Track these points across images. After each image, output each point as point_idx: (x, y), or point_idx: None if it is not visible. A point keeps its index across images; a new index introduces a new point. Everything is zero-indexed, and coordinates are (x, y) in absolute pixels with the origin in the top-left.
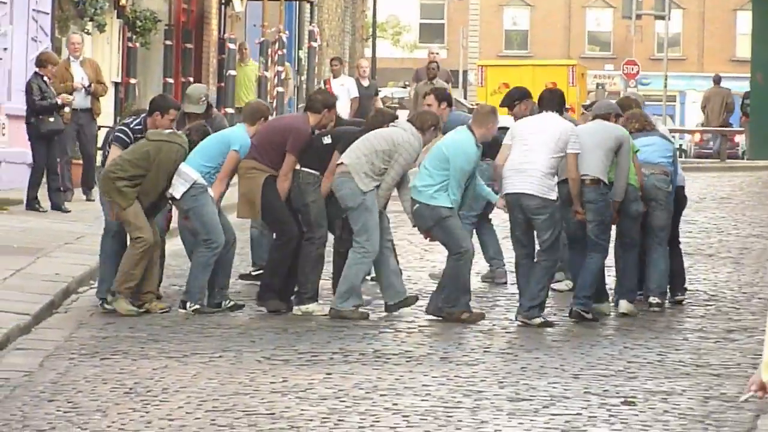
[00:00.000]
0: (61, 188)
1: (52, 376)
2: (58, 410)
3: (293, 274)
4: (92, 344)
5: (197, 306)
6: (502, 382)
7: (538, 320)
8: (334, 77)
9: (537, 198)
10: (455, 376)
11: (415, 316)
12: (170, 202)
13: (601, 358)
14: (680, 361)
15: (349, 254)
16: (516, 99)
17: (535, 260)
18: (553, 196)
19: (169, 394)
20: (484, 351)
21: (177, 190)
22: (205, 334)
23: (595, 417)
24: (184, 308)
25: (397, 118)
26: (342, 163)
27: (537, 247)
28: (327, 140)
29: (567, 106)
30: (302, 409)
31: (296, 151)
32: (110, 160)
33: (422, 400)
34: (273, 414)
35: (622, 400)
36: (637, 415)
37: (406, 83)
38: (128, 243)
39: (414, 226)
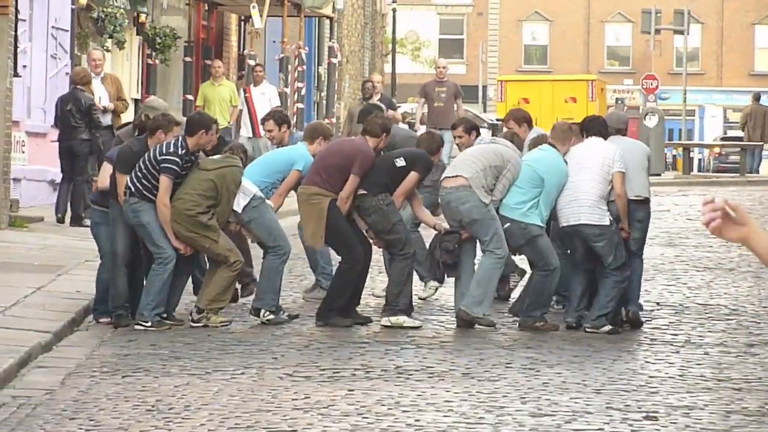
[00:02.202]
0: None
1: (73, 394)
2: (80, 428)
3: (357, 292)
4: (114, 362)
5: (271, 315)
6: (524, 398)
7: (606, 328)
8: (255, 85)
9: (592, 227)
10: (477, 392)
11: (436, 331)
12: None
13: (622, 373)
14: (701, 375)
15: (482, 257)
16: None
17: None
18: (607, 221)
19: (192, 412)
20: (506, 366)
21: (237, 203)
22: (227, 350)
23: None
24: (257, 316)
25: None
26: (460, 176)
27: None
28: (401, 162)
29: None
30: (324, 426)
31: (362, 174)
32: (162, 191)
33: (444, 416)
34: (295, 431)
35: (644, 415)
36: (659, 430)
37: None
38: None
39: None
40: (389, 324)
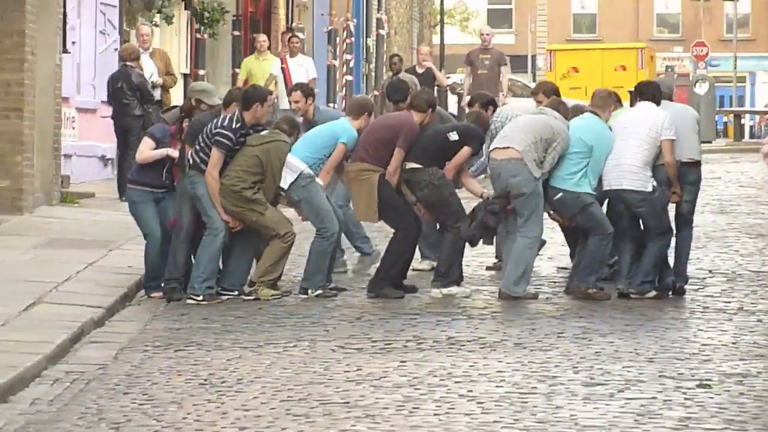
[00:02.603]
0: None
1: (126, 369)
2: (133, 402)
3: (406, 264)
4: (166, 336)
5: (319, 291)
6: (576, 367)
7: (651, 293)
8: (291, 56)
9: (634, 192)
10: (529, 362)
11: (488, 302)
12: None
13: (675, 341)
14: (755, 342)
15: (517, 240)
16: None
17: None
18: (650, 187)
19: (244, 385)
20: (558, 336)
21: (284, 180)
22: (279, 323)
23: (671, 400)
24: (306, 294)
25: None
26: (511, 148)
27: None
28: (454, 136)
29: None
30: (377, 398)
31: (407, 147)
32: (212, 163)
33: (497, 387)
34: (348, 403)
35: (698, 383)
36: (712, 397)
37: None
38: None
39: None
40: (440, 295)
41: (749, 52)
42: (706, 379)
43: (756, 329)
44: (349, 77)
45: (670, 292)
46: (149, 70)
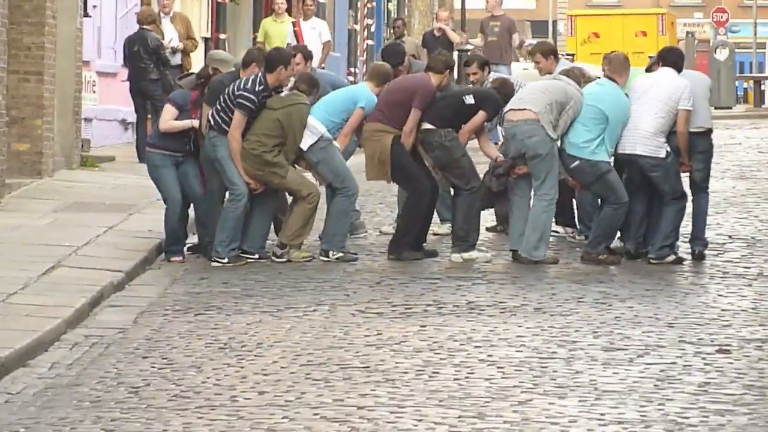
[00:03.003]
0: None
1: (146, 333)
2: (152, 366)
3: (424, 227)
4: (186, 300)
5: (340, 254)
6: (596, 332)
7: (671, 258)
8: (305, 19)
9: (647, 158)
10: (549, 327)
11: (508, 267)
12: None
13: (695, 307)
14: None
15: (533, 203)
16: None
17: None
18: (663, 153)
19: (264, 349)
20: (578, 301)
21: (304, 142)
22: (299, 288)
23: (690, 365)
24: (327, 257)
25: None
26: (527, 110)
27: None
28: (470, 100)
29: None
30: (397, 362)
31: (423, 107)
32: (234, 125)
33: (517, 351)
34: (368, 367)
35: (717, 348)
36: (732, 363)
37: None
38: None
39: (563, 179)
40: (461, 260)
41: None
42: (726, 345)
43: None
44: (370, 42)
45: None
46: (170, 34)
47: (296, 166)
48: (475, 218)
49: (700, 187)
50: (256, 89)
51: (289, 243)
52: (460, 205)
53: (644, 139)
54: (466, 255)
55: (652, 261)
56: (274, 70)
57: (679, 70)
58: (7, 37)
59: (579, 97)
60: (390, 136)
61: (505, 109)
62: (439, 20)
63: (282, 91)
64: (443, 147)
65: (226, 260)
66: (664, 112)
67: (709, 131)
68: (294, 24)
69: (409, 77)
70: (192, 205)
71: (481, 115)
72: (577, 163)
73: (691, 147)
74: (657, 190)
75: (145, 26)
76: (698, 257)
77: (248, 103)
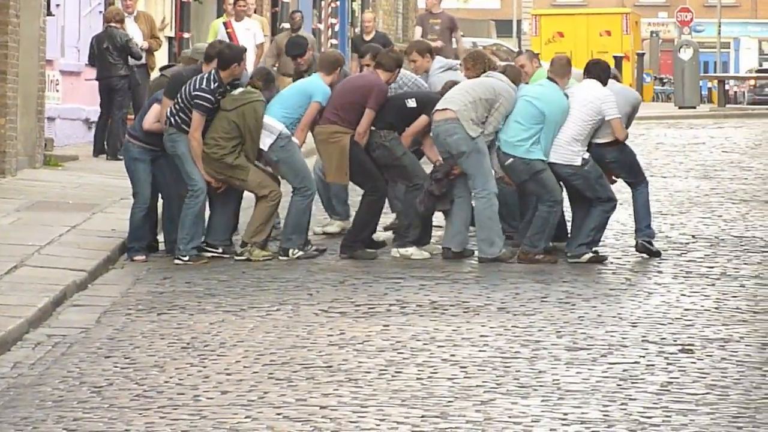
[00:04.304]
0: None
1: (109, 332)
2: (115, 366)
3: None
4: (149, 300)
5: (300, 252)
6: (559, 332)
7: (587, 256)
8: (237, 20)
9: (563, 166)
10: (512, 327)
11: (472, 266)
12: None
13: (658, 306)
14: (737, 308)
15: (474, 203)
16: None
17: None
18: (578, 161)
19: (227, 349)
20: (542, 301)
21: (263, 142)
22: (262, 287)
23: (653, 365)
24: (287, 255)
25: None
26: (447, 109)
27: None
28: (412, 104)
29: (621, 54)
30: (360, 362)
31: (377, 107)
32: (194, 126)
33: (480, 351)
34: (331, 367)
35: (680, 347)
36: (694, 362)
37: (461, 34)
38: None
39: (499, 177)
40: (398, 255)
41: (733, 17)
42: (689, 344)
43: (738, 294)
44: (334, 41)
45: (636, 250)
46: (133, 33)
47: (257, 164)
48: (417, 216)
49: (634, 186)
50: (212, 87)
51: (249, 241)
52: (404, 202)
53: (558, 147)
54: (402, 250)
55: (569, 259)
56: (228, 68)
57: (603, 82)
58: None
59: (510, 93)
60: (347, 136)
61: (433, 110)
62: (365, 23)
63: (238, 86)
64: (383, 147)
65: (187, 258)
66: (581, 120)
67: (615, 141)
68: (226, 25)
69: (361, 77)
70: (162, 201)
71: (423, 119)
72: (511, 160)
73: (600, 158)
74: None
75: (112, 24)
76: (641, 249)
77: (205, 103)
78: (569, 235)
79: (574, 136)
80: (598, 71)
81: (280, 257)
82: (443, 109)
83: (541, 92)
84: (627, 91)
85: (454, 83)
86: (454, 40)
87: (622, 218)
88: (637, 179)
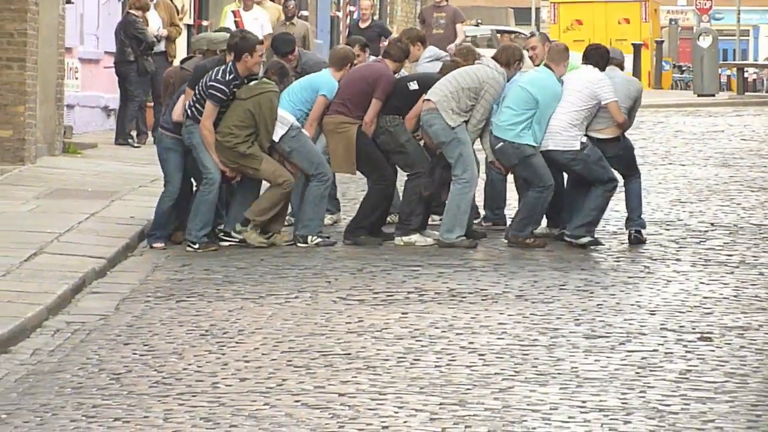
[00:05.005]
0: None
1: (127, 320)
2: (134, 353)
3: (385, 212)
4: (168, 287)
5: (318, 239)
6: (578, 320)
7: (585, 239)
8: (246, 9)
9: (562, 153)
10: (531, 314)
11: (490, 254)
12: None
13: (676, 294)
14: (756, 296)
15: (451, 188)
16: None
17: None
18: (577, 145)
19: (245, 336)
20: (560, 288)
21: (276, 133)
22: (281, 275)
23: (672, 353)
24: (305, 242)
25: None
26: (429, 100)
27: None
28: (414, 86)
29: (640, 41)
30: (378, 349)
31: (384, 97)
32: (205, 115)
33: (498, 339)
34: (349, 354)
35: (699, 335)
36: (713, 350)
37: (479, 21)
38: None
39: (491, 162)
40: (402, 243)
41: (753, 5)
42: (707, 332)
43: (757, 282)
44: None
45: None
46: (154, 21)
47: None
48: (419, 203)
49: (628, 177)
50: (226, 78)
51: (252, 218)
52: (405, 190)
53: (554, 134)
54: (405, 238)
55: (566, 239)
56: (240, 58)
57: (601, 68)
58: None
59: (496, 79)
60: (354, 127)
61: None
62: (363, 10)
63: (255, 79)
64: (388, 132)
65: (197, 246)
66: (575, 106)
67: (617, 138)
68: (234, 13)
69: (367, 67)
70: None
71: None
72: (501, 144)
73: (602, 153)
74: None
75: (131, 11)
76: (634, 240)
77: (219, 93)
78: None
79: (570, 122)
80: (596, 57)
81: (299, 244)
82: (427, 100)
83: (535, 78)
84: (628, 84)
85: (454, 63)
86: (456, 32)
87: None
88: (631, 172)
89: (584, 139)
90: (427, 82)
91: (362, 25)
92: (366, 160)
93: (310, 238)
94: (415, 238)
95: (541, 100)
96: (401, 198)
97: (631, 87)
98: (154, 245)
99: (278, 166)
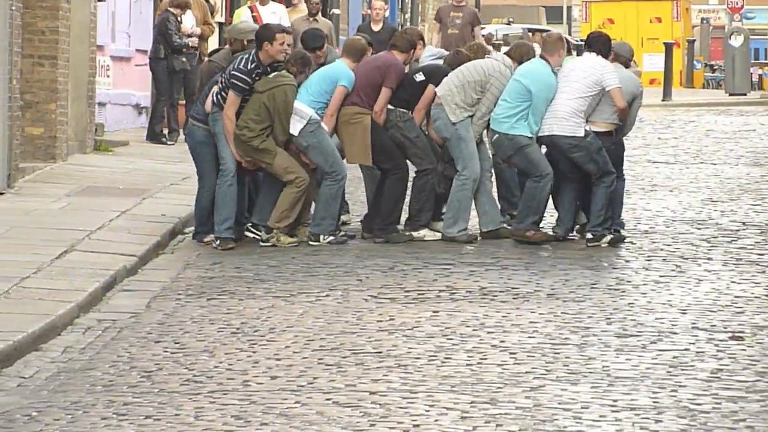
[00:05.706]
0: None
1: (159, 317)
2: (165, 351)
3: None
4: (199, 285)
5: (331, 237)
6: (609, 318)
7: (607, 238)
8: (262, 4)
9: (565, 138)
10: (562, 313)
11: (521, 252)
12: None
13: (708, 293)
14: None
15: (453, 184)
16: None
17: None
18: (581, 132)
19: (276, 334)
20: (591, 287)
21: (294, 127)
22: (312, 273)
23: (703, 352)
24: (318, 241)
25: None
26: (436, 95)
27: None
28: (420, 77)
29: (671, 40)
30: (409, 348)
31: (394, 86)
32: (227, 104)
33: (529, 337)
34: (380, 352)
35: (730, 335)
36: (744, 349)
37: (511, 20)
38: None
39: (494, 154)
40: (411, 238)
41: None
42: (739, 331)
43: None
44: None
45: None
46: (189, 21)
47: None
48: (428, 198)
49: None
50: (249, 68)
51: (274, 226)
52: (413, 186)
53: (560, 120)
54: (415, 234)
55: (589, 244)
56: (261, 48)
57: (604, 56)
58: (22, 21)
59: (502, 72)
60: (368, 117)
61: None
62: (374, 10)
63: (277, 69)
64: (397, 127)
65: (218, 243)
66: (580, 92)
67: (610, 133)
68: (252, 8)
69: (378, 57)
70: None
71: (431, 89)
72: (496, 136)
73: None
74: (583, 172)
75: (169, 8)
76: (615, 240)
77: (240, 83)
78: (557, 218)
79: (575, 109)
80: (599, 45)
81: (311, 242)
82: (436, 95)
83: (528, 69)
84: (629, 81)
85: (459, 54)
86: (473, 35)
87: (672, 205)
88: (617, 173)
89: (588, 128)
90: (432, 72)
91: (374, 27)
92: (381, 150)
93: (322, 237)
94: (424, 232)
95: (534, 90)
96: (410, 195)
97: (631, 84)
98: (205, 240)
99: (292, 162)
